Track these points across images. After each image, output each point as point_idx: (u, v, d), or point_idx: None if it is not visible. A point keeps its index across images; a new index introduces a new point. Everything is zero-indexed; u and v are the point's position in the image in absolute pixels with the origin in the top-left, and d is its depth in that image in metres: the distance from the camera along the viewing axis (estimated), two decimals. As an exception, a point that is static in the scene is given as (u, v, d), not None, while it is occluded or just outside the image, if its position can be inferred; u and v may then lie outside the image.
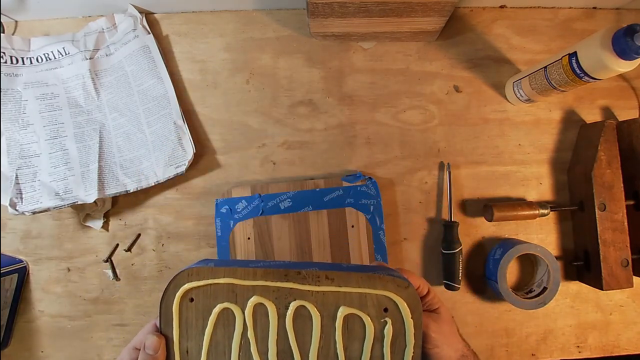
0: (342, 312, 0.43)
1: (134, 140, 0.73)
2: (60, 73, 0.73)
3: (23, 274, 0.73)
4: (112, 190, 0.71)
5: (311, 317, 0.44)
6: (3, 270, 0.69)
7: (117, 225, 0.74)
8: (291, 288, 0.44)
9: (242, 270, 0.44)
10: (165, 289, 0.44)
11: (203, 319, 0.44)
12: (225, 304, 0.44)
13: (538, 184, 0.78)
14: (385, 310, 0.44)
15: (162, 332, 0.44)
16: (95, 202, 0.70)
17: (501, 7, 0.79)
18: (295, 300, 0.44)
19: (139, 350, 0.43)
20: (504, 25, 0.79)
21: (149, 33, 0.75)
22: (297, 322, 0.44)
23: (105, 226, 0.74)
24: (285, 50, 0.77)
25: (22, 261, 0.73)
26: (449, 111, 0.78)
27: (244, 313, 0.44)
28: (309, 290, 0.44)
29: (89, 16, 0.77)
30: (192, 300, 0.44)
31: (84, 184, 0.71)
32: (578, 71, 0.62)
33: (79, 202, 0.69)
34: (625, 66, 0.57)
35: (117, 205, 0.75)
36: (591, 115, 0.79)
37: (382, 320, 0.44)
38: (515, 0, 0.78)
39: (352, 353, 0.44)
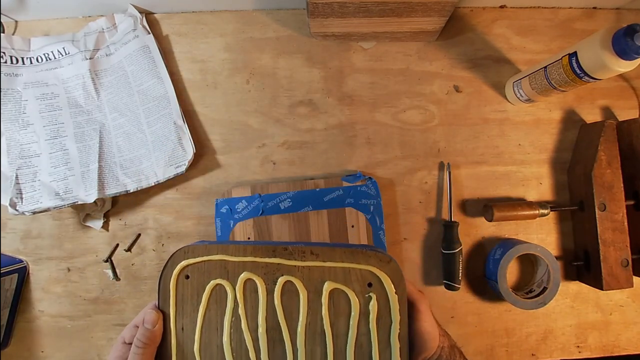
0: (327, 287, 0.45)
1: (134, 140, 0.73)
2: (60, 73, 0.73)
3: (23, 273, 0.73)
4: (112, 190, 0.71)
5: (298, 292, 0.45)
6: (3, 270, 0.69)
7: (117, 225, 0.74)
8: (279, 264, 0.45)
9: (234, 247, 0.46)
10: (164, 266, 0.46)
11: (197, 295, 0.46)
12: (218, 280, 0.46)
13: (538, 184, 0.78)
14: (369, 285, 0.44)
15: (160, 309, 0.46)
16: (95, 202, 0.70)
17: (501, 7, 0.79)
18: (282, 275, 0.45)
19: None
20: (504, 25, 0.79)
21: (149, 33, 0.75)
22: (285, 298, 0.45)
23: (106, 226, 0.74)
24: (285, 50, 0.77)
25: (22, 261, 0.73)
26: (449, 111, 0.78)
27: (235, 289, 0.45)
28: (295, 266, 0.45)
29: (89, 16, 0.77)
30: (187, 277, 0.46)
31: (84, 184, 0.71)
32: (578, 71, 0.62)
33: (79, 202, 0.69)
34: (625, 66, 0.57)
35: (117, 205, 0.75)
36: (591, 115, 0.79)
37: (367, 295, 0.45)
38: (515, 0, 0.78)
39: (338, 329, 0.45)
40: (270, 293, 0.45)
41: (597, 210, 0.71)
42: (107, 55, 0.75)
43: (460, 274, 0.73)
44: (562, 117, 0.79)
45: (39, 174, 0.70)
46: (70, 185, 0.70)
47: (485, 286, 0.76)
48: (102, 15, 0.76)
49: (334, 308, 0.45)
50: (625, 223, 0.72)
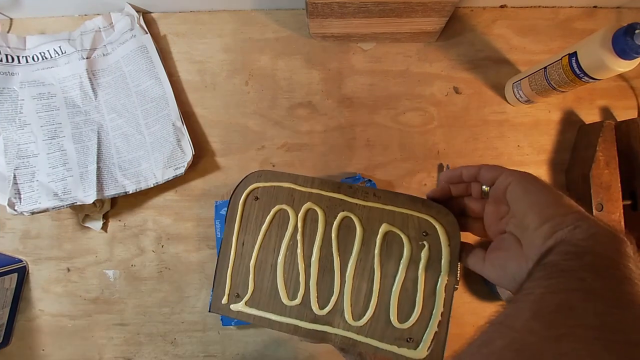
0: (383, 228, 0.47)
1: (132, 142, 0.73)
2: (57, 72, 0.73)
3: (23, 273, 0.73)
4: (111, 191, 0.71)
5: (355, 229, 0.48)
6: (3, 269, 0.69)
7: (117, 227, 0.75)
8: (341, 199, 0.48)
9: (303, 177, 0.50)
10: (237, 185, 0.51)
11: (262, 216, 0.50)
12: (284, 206, 0.49)
13: (536, 185, 0.78)
14: (425, 234, 0.46)
15: (227, 223, 0.51)
16: (94, 203, 0.70)
17: (501, 6, 0.79)
18: (343, 211, 0.48)
19: None
20: (504, 25, 0.78)
21: (147, 33, 0.74)
22: (342, 232, 0.48)
23: (105, 227, 0.74)
24: (284, 51, 0.77)
25: (22, 261, 0.74)
26: (448, 113, 0.77)
27: (297, 216, 0.49)
28: (356, 204, 0.48)
29: (85, 15, 0.76)
30: (257, 198, 0.50)
31: (82, 185, 0.70)
32: (578, 71, 0.61)
33: (78, 203, 0.69)
34: (625, 66, 0.57)
35: (116, 206, 0.75)
36: (590, 115, 0.79)
37: (421, 243, 0.46)
38: (516, -1, 0.78)
39: (387, 270, 0.47)
40: (329, 225, 0.48)
41: (594, 210, 0.71)
42: (104, 55, 0.74)
43: (458, 274, 0.73)
44: (561, 117, 0.78)
45: (37, 174, 0.70)
46: (69, 186, 0.70)
47: (484, 286, 0.77)
48: (98, 14, 0.75)
49: (387, 249, 0.47)
50: (622, 223, 0.72)
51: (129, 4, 0.73)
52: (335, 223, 0.48)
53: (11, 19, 0.75)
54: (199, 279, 0.74)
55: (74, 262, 0.74)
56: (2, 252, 0.74)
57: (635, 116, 0.79)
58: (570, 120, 0.78)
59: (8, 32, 0.75)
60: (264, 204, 0.50)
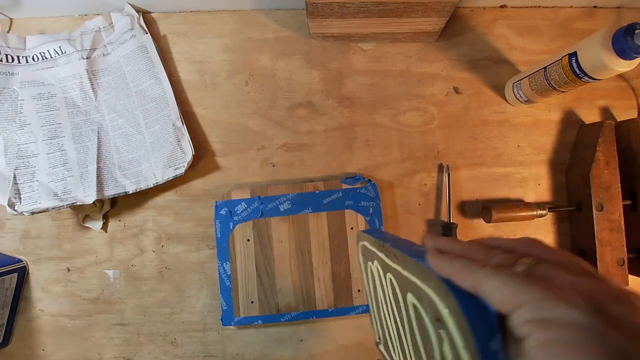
0: (409, 299, 0.34)
1: (132, 142, 0.73)
2: (57, 72, 0.73)
3: (23, 273, 0.73)
4: (111, 191, 0.71)
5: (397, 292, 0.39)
6: (3, 269, 0.69)
7: (117, 227, 0.74)
8: (382, 259, 0.41)
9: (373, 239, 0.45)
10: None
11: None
12: (369, 264, 0.47)
13: (536, 185, 0.78)
14: (438, 320, 0.28)
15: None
16: (94, 203, 0.70)
17: (502, 6, 0.79)
18: (388, 272, 0.40)
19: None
20: (505, 25, 0.79)
21: (147, 33, 0.74)
22: (392, 294, 0.40)
23: (105, 227, 0.74)
24: (284, 51, 0.77)
25: (22, 261, 0.74)
26: (448, 113, 0.77)
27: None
28: (389, 265, 0.38)
29: (85, 15, 0.76)
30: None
31: (82, 185, 0.70)
32: (578, 71, 0.61)
33: (78, 203, 0.69)
34: (625, 66, 0.57)
35: (116, 206, 0.75)
36: (590, 115, 0.79)
37: (439, 331, 0.29)
38: (516, -1, 0.78)
39: (429, 354, 0.32)
40: (383, 289, 0.42)
41: (594, 211, 0.71)
42: (104, 55, 0.74)
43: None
44: (561, 117, 0.78)
45: (37, 174, 0.70)
46: (69, 186, 0.70)
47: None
48: (98, 14, 0.75)
49: (419, 330, 0.33)
50: (622, 223, 0.72)
51: (129, 4, 0.73)
52: (386, 286, 0.40)
53: (11, 19, 0.75)
54: (199, 279, 0.74)
55: (74, 262, 0.74)
56: (2, 252, 0.74)
57: (635, 116, 0.79)
58: (570, 120, 0.78)
59: (8, 32, 0.75)
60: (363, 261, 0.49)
